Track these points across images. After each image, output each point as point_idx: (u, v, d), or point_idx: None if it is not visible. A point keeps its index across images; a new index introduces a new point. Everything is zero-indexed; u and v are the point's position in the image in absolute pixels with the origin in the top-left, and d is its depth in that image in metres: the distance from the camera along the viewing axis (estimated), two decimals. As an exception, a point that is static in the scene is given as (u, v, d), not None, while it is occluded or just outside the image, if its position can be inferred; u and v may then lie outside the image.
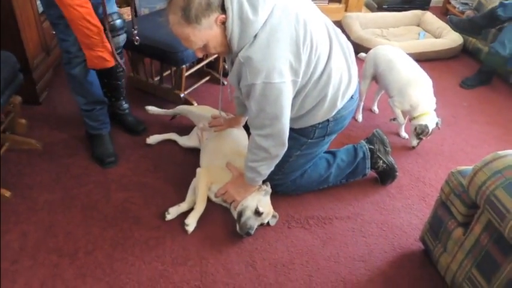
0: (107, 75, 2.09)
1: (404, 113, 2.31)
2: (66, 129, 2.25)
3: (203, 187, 1.79)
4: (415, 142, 2.25)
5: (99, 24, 1.74)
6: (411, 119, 2.25)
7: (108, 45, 1.81)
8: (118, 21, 1.93)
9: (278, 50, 1.39)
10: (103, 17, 1.83)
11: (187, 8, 1.31)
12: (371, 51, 2.43)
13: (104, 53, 1.80)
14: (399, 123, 2.34)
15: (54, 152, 2.10)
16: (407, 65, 2.28)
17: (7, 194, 1.82)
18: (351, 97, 1.73)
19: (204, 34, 1.38)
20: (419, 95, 2.20)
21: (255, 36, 1.39)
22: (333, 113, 1.69)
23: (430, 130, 2.18)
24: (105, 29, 1.80)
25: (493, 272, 1.31)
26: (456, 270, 1.48)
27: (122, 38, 2.00)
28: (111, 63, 1.85)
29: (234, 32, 1.38)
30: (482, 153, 1.57)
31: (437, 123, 2.20)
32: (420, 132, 2.19)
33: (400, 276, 1.63)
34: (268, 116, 1.49)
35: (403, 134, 2.39)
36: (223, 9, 1.35)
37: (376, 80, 2.43)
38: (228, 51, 1.48)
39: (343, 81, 1.65)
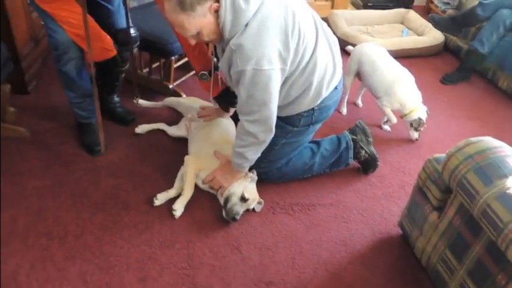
0: (107, 74, 2.09)
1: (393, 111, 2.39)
2: (55, 118, 2.28)
3: (191, 173, 1.84)
4: (416, 135, 2.37)
5: (90, 17, 1.77)
6: (402, 116, 2.33)
7: (106, 34, 1.83)
8: (134, 35, 2.00)
9: (268, 38, 1.45)
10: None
11: None
12: (356, 48, 2.49)
13: (105, 43, 1.81)
14: (391, 122, 2.40)
15: (44, 140, 2.13)
16: (389, 64, 2.35)
17: (-4, 179, 1.84)
18: (335, 87, 1.80)
19: (198, 21, 1.43)
20: (406, 92, 2.28)
21: (246, 24, 1.45)
22: (318, 102, 1.76)
23: (424, 120, 2.29)
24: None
25: (464, 252, 1.39)
26: (431, 252, 1.56)
27: (134, 51, 2.09)
28: (113, 52, 1.88)
29: (226, 20, 1.44)
30: (459, 145, 1.70)
31: (427, 112, 2.31)
32: (417, 126, 2.31)
33: (379, 259, 1.71)
34: (257, 102, 1.55)
35: (385, 126, 2.47)
36: None
37: (359, 77, 2.49)
38: (220, 39, 1.54)
39: (328, 71, 1.72)
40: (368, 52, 2.40)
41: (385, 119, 2.43)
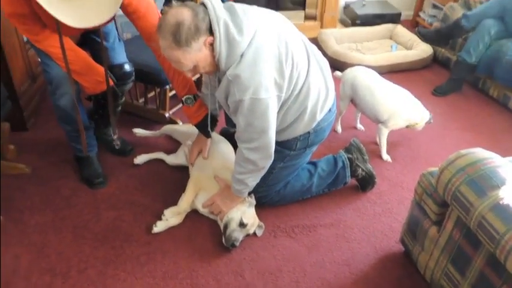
0: (104, 107, 2.08)
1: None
2: (54, 153, 2.30)
3: (191, 189, 1.90)
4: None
5: (81, 51, 1.81)
6: (411, 127, 2.35)
7: (100, 66, 1.86)
8: (129, 70, 2.03)
9: (264, 67, 1.50)
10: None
11: (178, 32, 1.40)
12: (348, 73, 2.45)
13: (98, 76, 1.84)
14: (381, 148, 2.39)
15: (43, 175, 2.15)
16: (386, 86, 2.35)
17: (-2, 218, 1.86)
18: (329, 110, 1.84)
19: (194, 56, 1.47)
20: (411, 108, 2.29)
21: (242, 55, 1.49)
22: (313, 126, 1.79)
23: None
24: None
25: (466, 265, 1.39)
26: (434, 268, 1.56)
27: (129, 86, 2.10)
28: (110, 82, 1.91)
29: (221, 53, 1.48)
30: (454, 156, 1.73)
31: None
32: (431, 122, 2.38)
33: (383, 277, 1.71)
34: (256, 130, 1.58)
35: (385, 156, 2.39)
36: (211, 31, 1.46)
37: (353, 103, 2.47)
38: (216, 70, 1.58)
39: (321, 95, 1.76)
40: (361, 76, 2.39)
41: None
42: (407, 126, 2.35)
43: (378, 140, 2.43)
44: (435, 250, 1.54)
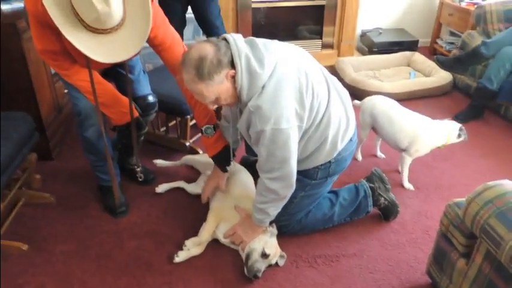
0: (127, 137, 2.11)
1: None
2: (78, 182, 2.35)
3: (212, 221, 1.90)
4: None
5: (108, 84, 1.88)
6: (443, 146, 2.31)
7: (125, 98, 1.91)
8: (153, 101, 2.10)
9: (285, 98, 1.53)
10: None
11: (201, 66, 1.46)
12: (367, 102, 2.46)
13: (124, 107, 1.89)
14: (403, 177, 2.37)
15: (68, 204, 2.19)
16: (404, 113, 2.34)
17: (24, 247, 1.89)
18: (350, 139, 1.84)
19: (216, 88, 1.51)
20: (431, 134, 2.25)
21: (263, 87, 1.52)
22: (334, 155, 1.79)
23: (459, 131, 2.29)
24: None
25: (497, 300, 1.35)
26: (463, 302, 1.51)
27: (152, 116, 2.17)
28: (135, 113, 1.96)
29: (243, 85, 1.52)
30: (479, 185, 1.64)
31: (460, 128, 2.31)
32: (465, 134, 2.30)
33: (410, 311, 1.66)
34: (277, 160, 1.60)
35: (407, 184, 2.37)
36: (232, 64, 1.50)
37: (374, 130, 2.47)
38: (237, 101, 1.61)
39: (342, 125, 1.77)
40: (380, 104, 2.39)
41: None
42: (438, 147, 2.31)
43: (399, 168, 2.41)
44: (464, 283, 1.50)
